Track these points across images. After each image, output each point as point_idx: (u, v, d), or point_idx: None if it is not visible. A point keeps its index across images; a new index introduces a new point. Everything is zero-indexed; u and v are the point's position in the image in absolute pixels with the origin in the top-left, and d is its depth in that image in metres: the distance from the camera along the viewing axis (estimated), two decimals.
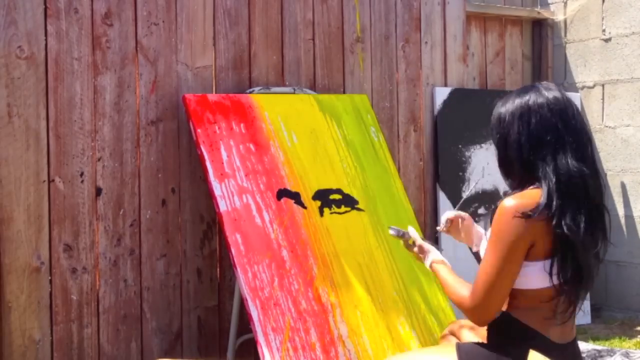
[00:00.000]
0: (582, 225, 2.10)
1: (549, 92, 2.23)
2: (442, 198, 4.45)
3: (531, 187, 2.16)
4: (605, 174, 4.95)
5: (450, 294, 2.27)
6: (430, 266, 2.42)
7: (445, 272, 2.35)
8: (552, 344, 2.17)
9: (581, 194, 2.12)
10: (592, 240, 2.14)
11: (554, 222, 2.08)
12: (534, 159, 2.17)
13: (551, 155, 2.15)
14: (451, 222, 2.61)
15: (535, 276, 2.12)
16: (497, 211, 2.14)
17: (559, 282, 2.11)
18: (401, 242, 2.58)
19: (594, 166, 2.20)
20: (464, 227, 2.60)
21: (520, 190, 2.18)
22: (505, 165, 2.27)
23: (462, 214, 2.62)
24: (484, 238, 2.52)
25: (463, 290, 2.23)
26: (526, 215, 2.08)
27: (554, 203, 2.09)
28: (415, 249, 2.51)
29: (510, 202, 2.11)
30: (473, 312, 2.17)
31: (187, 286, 3.57)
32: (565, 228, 2.08)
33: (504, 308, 2.20)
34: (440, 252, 2.48)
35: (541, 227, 2.09)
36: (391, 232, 2.58)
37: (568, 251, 2.10)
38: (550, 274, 2.11)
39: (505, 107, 2.25)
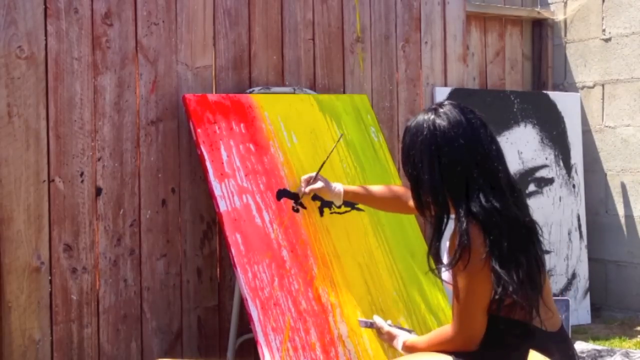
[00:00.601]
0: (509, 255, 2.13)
1: (451, 118, 2.23)
2: None
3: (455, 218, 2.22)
4: (605, 174, 4.96)
5: (438, 343, 2.27)
6: (404, 347, 2.44)
7: (419, 338, 2.38)
8: (547, 333, 2.20)
9: (504, 227, 2.14)
10: (526, 263, 2.16)
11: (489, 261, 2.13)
12: (451, 197, 2.20)
13: (467, 193, 2.17)
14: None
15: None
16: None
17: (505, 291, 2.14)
18: (374, 331, 2.65)
19: (510, 187, 2.22)
20: (322, 193, 3.25)
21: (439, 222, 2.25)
22: (420, 202, 2.29)
23: (316, 186, 3.22)
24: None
25: (444, 328, 2.26)
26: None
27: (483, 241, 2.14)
28: (385, 336, 2.55)
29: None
30: (460, 337, 2.19)
31: (187, 286, 3.57)
32: (498, 271, 2.12)
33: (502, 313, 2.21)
34: (410, 332, 2.53)
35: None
36: (360, 324, 2.74)
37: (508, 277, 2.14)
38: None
39: (411, 140, 2.26)
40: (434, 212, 2.26)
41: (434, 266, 2.27)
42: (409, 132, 2.29)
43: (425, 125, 2.24)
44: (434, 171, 2.20)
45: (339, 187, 3.24)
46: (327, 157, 3.41)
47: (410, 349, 2.39)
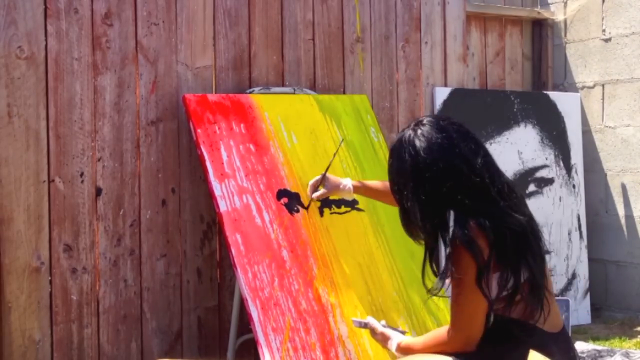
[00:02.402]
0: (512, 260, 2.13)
1: (436, 132, 2.20)
2: None
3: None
4: (606, 174, 4.95)
5: (434, 345, 2.26)
6: (398, 348, 2.42)
7: (414, 339, 2.37)
8: (547, 334, 2.19)
9: (500, 236, 2.12)
10: (525, 252, 2.16)
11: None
12: (438, 222, 2.19)
13: (451, 216, 2.16)
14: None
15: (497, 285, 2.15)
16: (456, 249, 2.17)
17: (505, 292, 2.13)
18: (368, 331, 2.63)
19: (508, 194, 2.20)
20: (340, 191, 3.18)
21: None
22: (410, 228, 2.29)
23: (322, 192, 3.18)
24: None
25: (440, 331, 2.26)
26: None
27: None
28: (379, 337, 2.54)
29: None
30: (458, 339, 2.19)
31: (187, 286, 3.57)
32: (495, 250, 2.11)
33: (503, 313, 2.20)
34: (404, 333, 2.51)
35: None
36: (354, 324, 2.69)
37: (505, 266, 2.13)
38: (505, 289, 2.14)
39: (399, 163, 2.24)
40: (422, 236, 2.26)
41: (430, 286, 2.28)
42: (392, 157, 2.28)
43: (405, 149, 2.22)
44: (418, 198, 2.19)
45: (347, 183, 3.20)
46: (330, 162, 3.38)
47: (405, 350, 2.38)
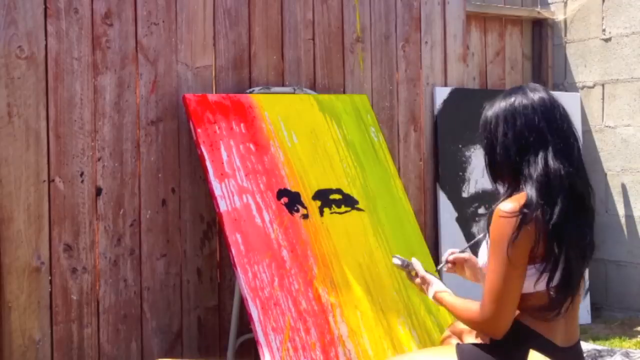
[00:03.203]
0: (567, 222, 2.11)
1: (534, 94, 2.25)
2: (442, 198, 4.45)
3: (519, 191, 2.17)
4: (606, 174, 4.95)
5: (461, 316, 2.25)
6: (434, 297, 2.41)
7: (450, 298, 2.35)
8: (555, 347, 2.17)
9: (565, 193, 2.13)
10: (579, 235, 2.15)
11: (540, 221, 2.09)
12: (519, 160, 2.19)
13: (534, 156, 2.17)
14: (453, 264, 2.60)
15: (531, 279, 2.13)
16: (493, 217, 2.14)
17: (548, 285, 2.11)
18: (404, 272, 2.58)
19: (580, 166, 2.22)
20: (468, 266, 2.59)
21: (509, 194, 2.19)
22: (493, 169, 2.29)
23: (464, 255, 2.60)
24: (484, 246, 2.41)
25: (472, 307, 2.22)
26: (517, 216, 2.08)
27: (535, 202, 2.11)
28: (418, 280, 2.51)
29: (504, 207, 2.13)
30: (486, 324, 2.16)
31: (187, 286, 3.57)
32: (550, 226, 2.09)
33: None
34: (444, 284, 2.47)
35: (533, 229, 2.10)
36: (395, 261, 2.59)
37: (558, 252, 2.11)
38: (540, 277, 2.11)
39: (492, 110, 2.28)
40: (507, 182, 2.25)
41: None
42: (488, 106, 2.32)
43: (506, 101, 2.27)
44: (507, 137, 2.21)
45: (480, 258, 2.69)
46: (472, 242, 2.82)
47: (438, 300, 2.39)
